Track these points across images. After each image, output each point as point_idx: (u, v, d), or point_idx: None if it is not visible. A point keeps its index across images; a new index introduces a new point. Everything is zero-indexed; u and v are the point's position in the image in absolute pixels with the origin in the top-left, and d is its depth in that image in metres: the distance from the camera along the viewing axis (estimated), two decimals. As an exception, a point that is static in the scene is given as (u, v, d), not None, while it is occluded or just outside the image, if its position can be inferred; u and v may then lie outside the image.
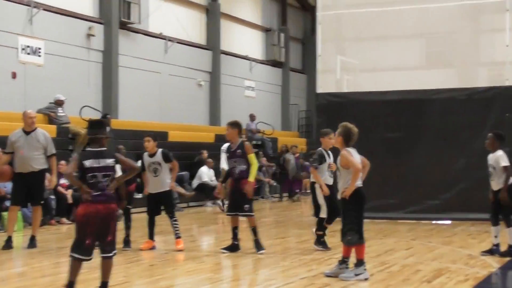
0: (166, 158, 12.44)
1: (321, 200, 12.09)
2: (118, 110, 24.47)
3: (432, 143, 17.83)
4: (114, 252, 8.02)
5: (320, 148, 12.20)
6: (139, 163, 11.81)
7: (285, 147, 27.08)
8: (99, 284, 8.03)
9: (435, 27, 19.18)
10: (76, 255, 7.89)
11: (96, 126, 8.29)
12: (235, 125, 12.11)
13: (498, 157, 11.46)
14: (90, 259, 7.94)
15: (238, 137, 12.04)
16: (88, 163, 7.91)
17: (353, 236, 9.52)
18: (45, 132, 13.29)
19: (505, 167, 11.37)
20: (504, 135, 11.90)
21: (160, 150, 12.53)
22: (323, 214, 12.13)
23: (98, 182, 7.87)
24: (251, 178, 11.86)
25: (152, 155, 12.46)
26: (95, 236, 7.85)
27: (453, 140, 17.62)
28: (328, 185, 12.00)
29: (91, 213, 7.82)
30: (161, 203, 12.51)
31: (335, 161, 11.05)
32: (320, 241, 12.29)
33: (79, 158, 8.04)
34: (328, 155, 12.19)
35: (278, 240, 14.55)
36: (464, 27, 19.18)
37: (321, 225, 12.31)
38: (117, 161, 8.09)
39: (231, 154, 12.05)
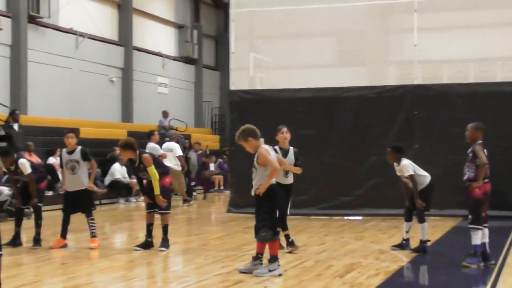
0: (85, 157, 12.25)
1: None
2: (27, 106, 23.95)
3: (344, 140, 18.01)
4: None
5: (275, 147, 11.44)
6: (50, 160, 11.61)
7: (187, 144, 26.51)
8: None
9: (346, 26, 19.39)
10: None
11: None
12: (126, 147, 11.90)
13: (402, 168, 11.64)
14: None
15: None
16: None
17: (267, 233, 9.55)
18: None
19: (410, 176, 11.55)
20: (402, 146, 12.04)
21: (79, 147, 12.32)
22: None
23: None
24: (157, 191, 11.75)
25: (71, 152, 12.26)
26: None
27: (364, 137, 17.83)
28: (283, 185, 11.46)
29: None
30: (78, 202, 12.33)
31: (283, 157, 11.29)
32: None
33: None
34: (286, 153, 11.90)
35: (192, 237, 14.53)
36: (374, 26, 19.46)
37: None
38: None
39: (135, 170, 12.08)
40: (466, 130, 10.45)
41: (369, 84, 18.57)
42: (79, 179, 12.28)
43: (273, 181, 9.75)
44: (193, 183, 24.44)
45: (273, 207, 9.70)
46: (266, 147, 9.81)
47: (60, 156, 12.57)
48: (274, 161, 9.67)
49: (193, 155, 25.19)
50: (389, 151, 11.87)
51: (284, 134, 11.75)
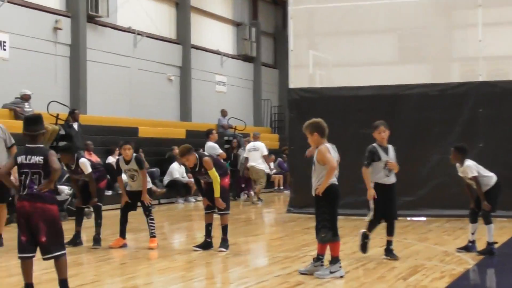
0: (139, 165, 12.35)
1: (371, 203, 11.54)
2: (87, 105, 24.28)
3: (406, 139, 17.77)
4: (53, 254, 7.82)
5: (373, 144, 11.57)
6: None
7: (236, 141, 25.98)
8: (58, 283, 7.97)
9: (408, 22, 19.16)
10: (18, 254, 7.91)
11: (31, 122, 8.13)
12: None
13: (466, 169, 11.48)
14: (29, 257, 7.84)
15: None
16: (19, 159, 7.88)
17: (327, 233, 9.50)
18: (3, 126, 12.93)
19: (474, 177, 11.39)
20: (466, 147, 11.83)
21: (134, 155, 12.41)
22: (369, 217, 11.55)
23: (26, 180, 7.79)
24: (217, 194, 11.77)
25: (128, 161, 12.36)
26: (28, 234, 7.78)
27: (426, 136, 17.65)
28: (386, 186, 11.45)
29: (18, 211, 7.86)
30: (138, 200, 12.46)
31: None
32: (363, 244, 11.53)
33: (15, 156, 8.03)
34: (386, 151, 11.69)
35: (251, 237, 14.52)
36: (437, 22, 19.21)
37: (371, 226, 11.59)
38: (45, 159, 7.82)
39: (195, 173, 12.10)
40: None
41: (432, 81, 18.31)
42: (140, 183, 12.44)
43: (334, 180, 9.69)
44: (243, 185, 24.18)
45: (333, 207, 9.66)
46: (328, 145, 9.74)
47: (117, 164, 12.63)
48: (332, 159, 9.61)
49: (242, 153, 24.20)
50: (452, 151, 11.72)
51: (381, 134, 11.53)
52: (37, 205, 7.73)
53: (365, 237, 11.41)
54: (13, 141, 12.85)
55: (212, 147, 19.50)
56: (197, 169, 11.86)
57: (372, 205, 11.39)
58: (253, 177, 22.40)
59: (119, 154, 12.96)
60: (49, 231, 7.76)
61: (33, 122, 8.12)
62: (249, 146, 22.27)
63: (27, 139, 8.00)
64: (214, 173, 11.75)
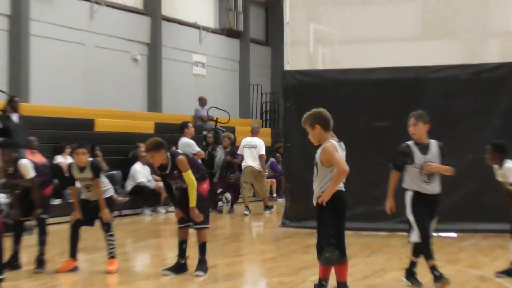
0: (95, 173, 12.29)
1: (410, 216, 11.24)
2: (30, 92, 24.30)
3: (431, 134, 17.77)
4: None
5: (407, 142, 11.44)
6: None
7: (211, 136, 24.77)
8: None
9: None
10: None
11: None
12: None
13: (506, 172, 11.52)
14: None
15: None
16: None
17: (333, 253, 9.35)
18: None
19: None
20: (506, 145, 11.83)
21: (89, 161, 12.38)
22: (414, 237, 11.16)
23: None
24: (193, 203, 11.75)
25: (82, 168, 12.26)
26: None
27: (456, 130, 17.63)
28: (428, 196, 11.25)
29: None
30: (95, 214, 12.38)
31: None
32: (410, 272, 11.33)
33: None
34: (425, 150, 11.48)
35: (237, 258, 14.51)
36: (470, -12, 19.26)
37: (418, 250, 11.27)
38: None
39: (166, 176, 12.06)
40: None
41: (463, 62, 18.34)
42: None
43: (341, 186, 9.57)
44: (219, 190, 23.69)
45: (340, 220, 9.55)
46: (334, 142, 9.63)
47: (70, 170, 12.54)
48: (342, 160, 9.54)
49: (220, 152, 23.65)
50: (489, 149, 11.71)
51: (410, 128, 11.38)
52: None
53: (412, 266, 11.32)
54: None
55: (187, 144, 19.38)
56: (168, 171, 11.81)
57: (412, 221, 11.14)
58: (248, 181, 22.31)
59: (71, 154, 12.88)
60: None
61: None
62: (245, 141, 22.16)
63: None
64: (189, 176, 11.70)
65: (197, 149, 19.80)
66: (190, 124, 21.32)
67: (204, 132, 26.15)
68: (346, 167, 9.52)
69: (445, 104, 17.79)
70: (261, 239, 18.21)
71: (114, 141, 24.29)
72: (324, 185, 9.51)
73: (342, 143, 9.89)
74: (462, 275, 12.04)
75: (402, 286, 11.03)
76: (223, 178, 23.29)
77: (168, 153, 11.74)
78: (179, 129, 21.25)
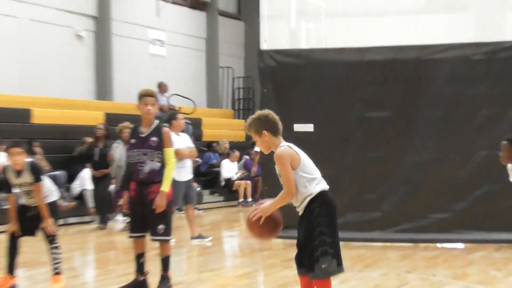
0: (36, 177, 12.39)
1: None
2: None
3: (436, 127, 18.00)
4: None
5: None
6: None
7: (102, 128, 23.06)
8: None
9: None
10: None
11: None
12: (149, 96, 12.24)
13: None
14: None
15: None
16: None
17: (330, 264, 9.24)
18: None
19: None
20: None
21: (28, 162, 12.48)
22: None
23: None
24: (166, 187, 12.03)
25: (19, 172, 12.41)
26: None
27: (467, 122, 17.76)
28: None
29: None
30: (37, 223, 12.50)
31: None
32: None
33: None
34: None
35: (206, 273, 14.61)
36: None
37: None
38: None
39: (138, 142, 12.17)
40: None
41: (476, 39, 18.44)
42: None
43: (326, 188, 9.70)
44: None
45: (334, 223, 9.62)
46: (286, 148, 9.65)
47: (5, 175, 12.65)
48: (291, 178, 9.41)
49: (119, 148, 21.89)
50: (504, 145, 11.83)
51: None
52: None
53: None
54: None
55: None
56: (144, 135, 12.15)
57: None
58: None
59: (5, 150, 13.01)
60: None
61: None
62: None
63: None
64: (170, 154, 12.11)
65: (181, 146, 19.21)
66: (180, 116, 19.91)
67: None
68: (293, 189, 9.41)
69: (454, 91, 17.83)
70: (235, 252, 18.38)
71: (56, 136, 24.33)
72: (301, 191, 9.65)
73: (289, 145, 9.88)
74: (471, 292, 12.20)
75: None
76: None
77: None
78: (166, 120, 20.53)
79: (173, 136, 18.54)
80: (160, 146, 12.02)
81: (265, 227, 9.53)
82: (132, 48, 32.18)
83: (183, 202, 18.53)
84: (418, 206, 17.80)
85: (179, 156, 18.18)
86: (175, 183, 18.06)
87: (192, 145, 19.07)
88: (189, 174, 18.68)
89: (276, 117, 9.64)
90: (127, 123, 21.19)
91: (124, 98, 29.89)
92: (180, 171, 17.95)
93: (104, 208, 21.91)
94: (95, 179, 22.41)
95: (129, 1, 32.11)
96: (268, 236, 9.78)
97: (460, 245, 17.30)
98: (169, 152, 12.09)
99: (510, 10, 19.58)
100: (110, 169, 21.90)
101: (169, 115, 20.18)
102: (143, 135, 12.08)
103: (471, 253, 16.31)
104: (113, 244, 18.77)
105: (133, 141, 12.22)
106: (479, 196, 17.23)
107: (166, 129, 12.22)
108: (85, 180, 22.92)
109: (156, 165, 12.02)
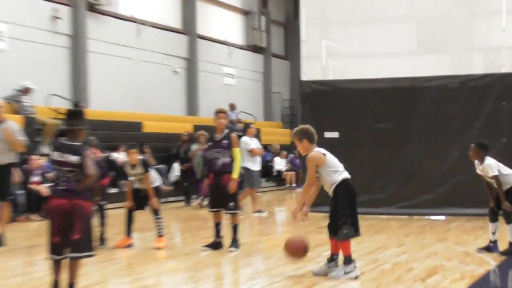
0: (145, 169, 12.55)
1: None
2: (88, 99, 24.47)
3: (425, 134, 17.89)
4: (85, 254, 7.86)
5: None
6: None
7: (186, 134, 23.34)
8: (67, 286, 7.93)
9: (427, 10, 19.06)
10: (48, 254, 7.91)
11: (73, 116, 8.20)
12: (222, 113, 12.36)
13: (486, 168, 11.45)
14: (60, 259, 7.87)
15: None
16: (54, 155, 7.95)
17: (349, 230, 9.50)
18: (14, 124, 13.23)
19: (495, 177, 11.35)
20: (487, 144, 11.78)
21: (140, 158, 12.66)
22: None
23: (61, 176, 7.83)
24: (235, 174, 12.06)
25: (134, 166, 12.57)
26: (61, 233, 7.76)
27: (446, 130, 17.64)
28: None
29: (53, 208, 7.83)
30: (146, 201, 12.65)
31: None
32: None
33: (51, 150, 8.12)
34: None
35: (263, 237, 14.64)
36: (458, 10, 19.07)
37: None
38: (82, 158, 7.85)
39: (214, 144, 12.23)
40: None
41: (452, 73, 18.29)
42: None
43: (347, 175, 9.74)
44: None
45: (352, 202, 9.69)
46: (315, 153, 9.72)
47: (124, 168, 12.83)
48: (313, 176, 9.65)
49: (195, 149, 21.76)
50: (473, 147, 11.67)
51: None
52: (74, 202, 7.79)
53: None
54: (20, 138, 12.97)
55: (245, 142, 18.80)
56: (218, 139, 12.22)
57: None
58: None
59: (125, 151, 13.11)
60: (84, 230, 7.81)
61: (72, 116, 8.21)
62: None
63: (67, 134, 8.05)
64: (237, 152, 12.16)
65: (252, 146, 19.23)
66: (252, 126, 20.12)
67: (235, 133, 25.55)
68: (310, 181, 9.69)
69: (436, 109, 17.81)
70: (283, 222, 18.26)
71: (160, 141, 24.34)
72: (329, 181, 9.70)
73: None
74: (449, 251, 12.09)
75: (399, 260, 11.06)
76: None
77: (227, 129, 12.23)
78: (243, 129, 20.45)
79: (248, 139, 18.72)
80: (229, 147, 12.10)
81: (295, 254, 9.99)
82: (212, 79, 32.17)
83: (249, 185, 18.64)
84: (412, 189, 17.72)
85: (253, 153, 18.42)
86: (251, 171, 18.38)
87: (260, 146, 19.22)
88: (258, 166, 18.81)
89: (313, 130, 9.80)
90: (202, 131, 21.26)
91: (208, 114, 29.79)
92: (254, 163, 18.24)
93: (189, 191, 21.98)
94: (182, 171, 22.57)
95: (210, 47, 32.11)
96: (297, 258, 10.06)
97: (442, 217, 17.17)
98: (236, 151, 12.15)
99: (475, 52, 19.36)
100: (192, 163, 21.79)
101: (244, 125, 20.27)
102: (217, 139, 12.20)
103: (449, 223, 16.24)
104: (198, 216, 18.72)
105: (210, 143, 12.38)
106: (455, 183, 17.17)
107: (233, 135, 12.27)
108: (175, 171, 23.04)
109: (227, 160, 12.09)
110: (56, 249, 7.83)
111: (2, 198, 13.07)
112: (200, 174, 20.75)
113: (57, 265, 7.90)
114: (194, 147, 21.93)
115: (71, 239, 7.77)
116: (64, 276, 7.92)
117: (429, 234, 14.41)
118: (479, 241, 12.76)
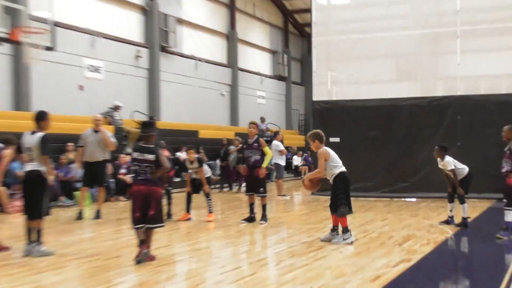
0: (200, 164, 12.53)
1: None
2: (160, 114, 24.55)
3: (402, 139, 17.85)
4: (157, 225, 7.91)
5: None
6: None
7: (225, 140, 22.88)
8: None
9: (403, 49, 19.10)
10: (131, 225, 7.98)
11: (147, 125, 8.24)
12: (254, 124, 12.29)
13: (446, 163, 11.38)
14: (141, 228, 7.91)
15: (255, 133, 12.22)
16: (135, 154, 8.00)
17: (344, 209, 9.49)
18: (109, 132, 13.38)
19: (452, 170, 11.32)
20: (446, 146, 11.70)
21: (196, 156, 12.59)
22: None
23: (141, 170, 7.88)
24: (265, 164, 12.03)
25: (192, 162, 12.55)
26: (141, 210, 7.82)
27: (417, 136, 17.63)
28: None
29: (135, 192, 7.90)
30: (200, 187, 12.65)
31: None
32: None
33: (132, 151, 8.18)
34: None
35: (284, 213, 14.58)
36: (425, 49, 19.10)
37: None
38: (157, 157, 7.89)
39: (248, 146, 12.20)
40: (502, 131, 10.04)
41: (421, 95, 18.27)
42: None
43: (343, 169, 9.67)
44: (235, 178, 21.77)
45: (346, 189, 9.60)
46: (326, 148, 9.72)
47: (185, 163, 12.77)
48: (321, 165, 9.60)
49: (233, 150, 21.67)
50: (436, 149, 11.62)
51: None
52: (150, 188, 7.85)
53: None
54: (113, 141, 13.07)
55: (276, 144, 18.81)
56: (250, 143, 12.15)
57: None
58: None
59: (186, 151, 13.13)
60: (156, 208, 7.89)
61: (146, 125, 8.23)
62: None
63: (142, 139, 8.10)
64: (267, 149, 12.10)
65: (282, 148, 19.18)
66: (280, 133, 20.24)
67: (264, 138, 25.56)
68: (321, 170, 9.60)
69: (410, 121, 17.81)
70: (299, 203, 18.04)
71: (211, 144, 24.33)
72: (329, 171, 9.63)
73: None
74: (419, 223, 12.04)
75: (383, 230, 11.00)
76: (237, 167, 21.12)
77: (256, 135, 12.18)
78: (273, 135, 20.41)
79: (278, 143, 18.74)
80: (259, 148, 12.07)
81: (310, 185, 9.81)
82: (248, 100, 32.10)
83: (278, 176, 18.67)
84: (392, 179, 17.70)
85: (282, 153, 18.57)
86: (280, 166, 18.41)
87: (282, 148, 19.20)
88: (284, 162, 19.03)
89: (323, 134, 9.77)
90: (236, 137, 21.69)
91: (245, 124, 29.69)
92: (282, 160, 18.38)
93: (230, 180, 21.92)
94: (221, 166, 22.63)
95: (247, 76, 32.08)
96: (312, 189, 10.03)
97: (414, 199, 17.06)
98: (266, 149, 12.09)
99: (438, 80, 19.19)
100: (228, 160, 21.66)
101: (274, 133, 20.40)
102: (250, 143, 12.18)
103: (419, 204, 16.13)
104: (237, 198, 18.77)
105: (245, 146, 12.34)
106: (423, 174, 17.15)
107: (261, 139, 12.22)
108: (217, 166, 23.03)
109: (257, 157, 12.08)
110: (137, 221, 7.88)
111: (99, 185, 13.21)
112: (232, 168, 20.89)
113: (139, 232, 7.95)
114: (231, 148, 21.82)
115: (148, 215, 7.84)
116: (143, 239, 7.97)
117: (405, 211, 14.33)
118: (440, 217, 12.75)
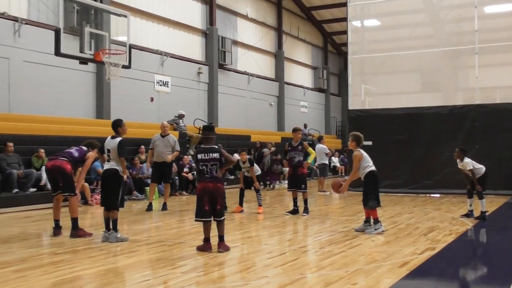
0: (251, 164, 12.42)
1: None
2: (218, 120, 24.66)
3: (426, 142, 17.56)
4: (223, 218, 7.81)
5: None
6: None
7: (259, 144, 22.16)
8: (218, 238, 7.88)
9: (427, 65, 19.05)
10: (199, 219, 7.76)
11: (208, 129, 8.18)
12: (298, 130, 12.12)
13: (465, 164, 11.13)
14: (210, 220, 7.77)
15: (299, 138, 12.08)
16: (199, 156, 7.87)
17: (374, 202, 9.37)
18: (174, 137, 13.49)
19: (471, 170, 11.07)
20: (466, 149, 11.42)
21: (248, 157, 12.47)
22: None
23: (207, 169, 7.74)
24: (310, 160, 12.07)
25: (244, 162, 12.47)
26: (209, 205, 7.66)
27: (439, 140, 17.32)
28: None
29: (203, 189, 7.71)
30: (252, 184, 12.54)
31: None
32: None
33: (195, 153, 8.12)
34: None
35: (323, 207, 14.43)
36: (447, 65, 18.91)
37: None
38: (221, 155, 7.79)
39: (292, 148, 12.07)
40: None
41: (443, 104, 18.01)
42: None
43: (373, 168, 9.49)
44: (268, 177, 20.85)
45: (376, 186, 9.45)
46: (361, 151, 9.53)
47: (238, 162, 12.65)
48: (356, 167, 9.41)
49: (267, 152, 21.08)
50: (457, 151, 11.35)
51: None
52: (217, 185, 7.72)
53: None
54: (178, 149, 13.16)
55: (321, 147, 18.67)
56: (295, 145, 11.93)
57: None
58: None
59: (239, 153, 13.09)
60: (221, 202, 7.78)
61: (207, 129, 8.16)
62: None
63: (203, 141, 7.96)
64: (311, 150, 12.04)
65: (328, 150, 19.03)
66: (323, 137, 20.09)
67: (306, 142, 25.41)
68: (356, 170, 9.41)
69: (433, 127, 17.49)
70: (336, 197, 17.93)
71: (261, 146, 24.37)
72: (362, 170, 9.43)
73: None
74: (442, 216, 11.75)
75: (410, 222, 10.75)
76: (271, 169, 20.79)
77: (301, 140, 11.97)
78: (318, 139, 20.21)
79: (324, 146, 18.54)
80: (302, 150, 11.94)
81: (336, 187, 9.77)
82: (293, 109, 32.03)
83: (323, 174, 18.57)
84: (418, 177, 17.41)
85: (328, 155, 18.60)
86: (326, 166, 18.31)
87: (328, 150, 19.08)
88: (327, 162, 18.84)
89: (362, 137, 9.64)
90: (270, 141, 21.60)
91: (289, 130, 29.56)
92: (326, 161, 18.30)
93: (264, 180, 21.19)
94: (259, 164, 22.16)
95: (292, 89, 31.98)
96: (338, 191, 9.85)
97: (437, 195, 16.71)
98: (310, 150, 11.99)
99: (458, 91, 18.92)
100: (263, 161, 20.90)
101: (319, 138, 20.22)
102: (294, 145, 12.05)
103: (442, 199, 15.80)
104: (280, 194, 18.68)
105: (289, 148, 12.21)
106: (445, 173, 16.80)
107: (305, 142, 12.08)
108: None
109: (301, 158, 11.96)
110: (206, 214, 7.72)
111: (166, 181, 13.30)
112: (266, 169, 20.19)
113: (206, 226, 7.82)
114: (265, 150, 21.22)
115: (216, 209, 7.71)
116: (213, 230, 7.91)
117: (429, 205, 14.04)
118: (461, 210, 12.48)
